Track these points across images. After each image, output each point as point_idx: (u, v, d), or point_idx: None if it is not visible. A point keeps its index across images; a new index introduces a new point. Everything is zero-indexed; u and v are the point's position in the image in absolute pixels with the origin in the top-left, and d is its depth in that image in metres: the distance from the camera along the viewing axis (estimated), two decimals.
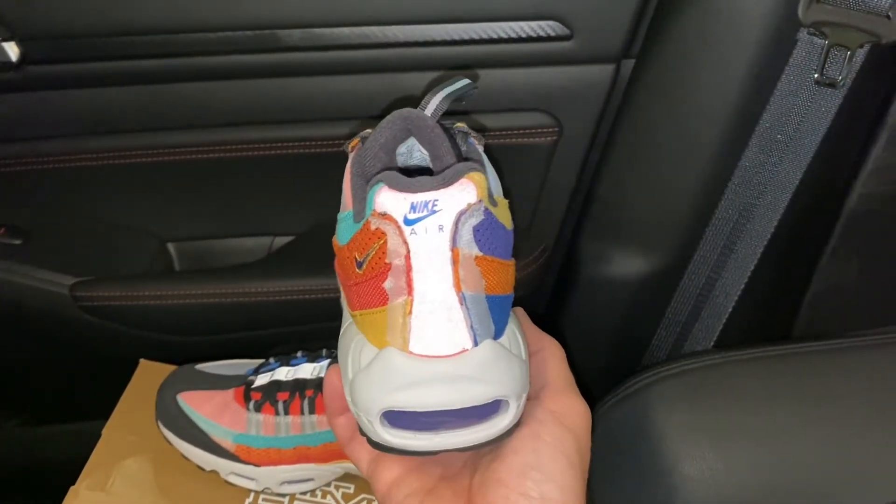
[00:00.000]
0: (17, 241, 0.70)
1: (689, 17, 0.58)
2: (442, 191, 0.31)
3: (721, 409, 0.56)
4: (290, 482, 0.56)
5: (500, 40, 0.61)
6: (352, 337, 0.34)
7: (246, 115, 0.66)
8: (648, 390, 0.57)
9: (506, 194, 0.71)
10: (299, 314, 0.68)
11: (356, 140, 0.38)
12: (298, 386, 0.55)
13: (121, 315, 0.69)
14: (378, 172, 0.35)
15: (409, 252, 0.31)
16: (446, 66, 0.62)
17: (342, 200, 0.37)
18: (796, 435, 0.54)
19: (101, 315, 0.69)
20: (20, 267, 0.69)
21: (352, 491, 0.58)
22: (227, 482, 0.55)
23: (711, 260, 0.65)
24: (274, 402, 0.55)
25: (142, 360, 0.64)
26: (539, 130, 0.66)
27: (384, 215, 0.31)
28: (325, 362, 0.57)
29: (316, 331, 0.71)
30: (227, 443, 0.54)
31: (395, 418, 0.32)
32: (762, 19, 0.55)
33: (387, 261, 0.31)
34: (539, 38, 0.61)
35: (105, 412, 0.61)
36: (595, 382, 0.62)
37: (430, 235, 0.31)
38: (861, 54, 0.54)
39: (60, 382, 0.83)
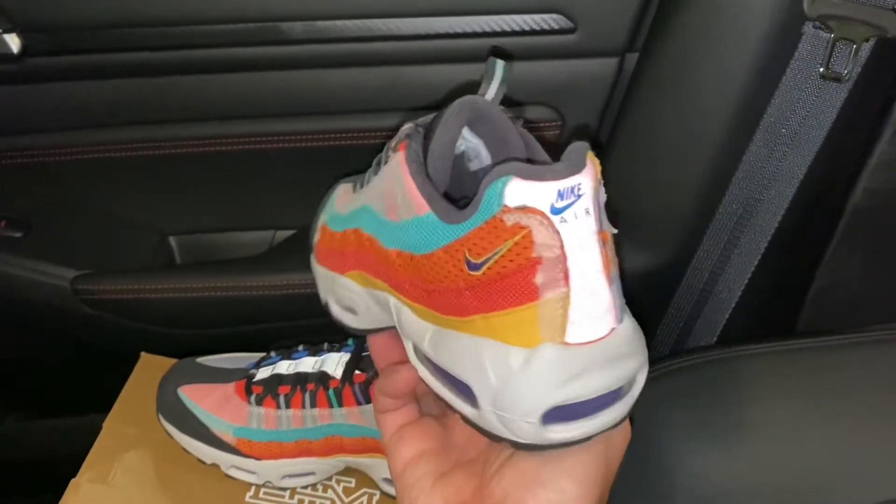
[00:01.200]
0: (18, 234, 0.70)
1: (694, 11, 0.58)
2: (582, 173, 0.30)
3: (724, 405, 0.56)
4: (291, 476, 0.56)
5: (503, 33, 0.60)
6: (472, 344, 0.32)
7: (248, 108, 0.66)
8: (651, 386, 0.56)
9: None
10: (301, 308, 0.68)
11: (403, 140, 0.35)
12: (300, 380, 0.55)
13: (122, 308, 0.69)
14: (434, 167, 0.34)
15: (562, 242, 0.29)
16: (449, 59, 0.62)
17: (395, 203, 0.34)
18: (800, 431, 0.54)
19: (103, 308, 0.69)
20: (21, 260, 0.69)
21: (353, 485, 0.58)
22: (227, 476, 0.55)
23: (715, 255, 0.64)
24: (275, 396, 0.54)
25: (143, 354, 0.64)
26: (542, 124, 0.66)
27: (524, 208, 0.29)
28: (326, 356, 0.56)
29: (317, 325, 0.70)
30: (227, 436, 0.54)
31: (555, 413, 0.31)
32: (767, 13, 0.54)
33: (534, 255, 0.30)
34: (542, 32, 0.60)
35: (106, 406, 0.61)
36: None
37: (579, 221, 0.29)
38: (867, 48, 0.54)
39: (61, 376, 0.83)
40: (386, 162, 0.36)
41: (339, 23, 0.60)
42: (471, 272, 0.31)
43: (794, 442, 0.54)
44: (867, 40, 0.53)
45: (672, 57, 0.60)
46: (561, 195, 0.29)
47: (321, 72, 0.64)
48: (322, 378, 0.54)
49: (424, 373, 0.36)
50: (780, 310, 0.71)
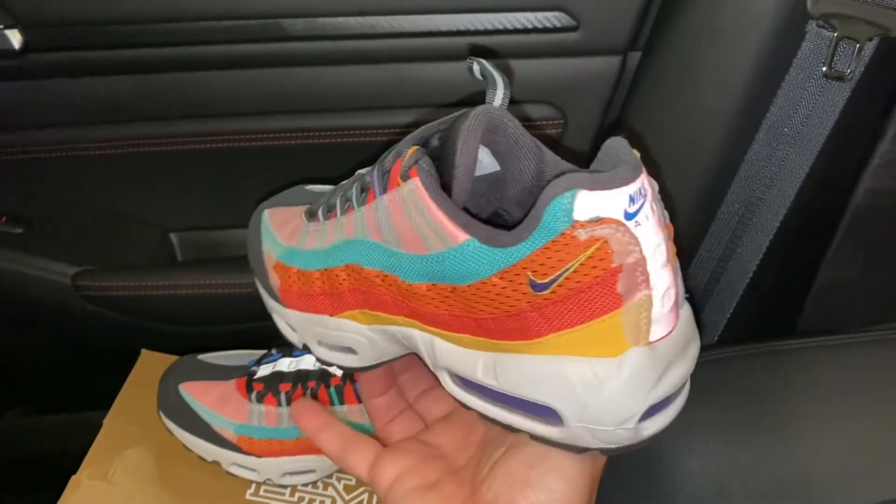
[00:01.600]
0: (19, 230, 0.70)
1: (697, 10, 0.57)
2: (643, 174, 0.29)
3: (725, 405, 0.56)
4: (291, 473, 0.56)
5: (505, 31, 0.60)
6: (548, 364, 0.31)
7: (249, 104, 0.66)
8: None
9: None
10: None
11: (411, 166, 0.33)
12: (301, 377, 0.55)
13: (123, 305, 0.69)
14: (457, 187, 0.32)
15: (640, 246, 0.29)
16: (452, 56, 0.62)
17: (418, 236, 0.32)
18: (801, 430, 0.54)
19: (103, 305, 0.69)
20: (21, 256, 0.69)
21: (353, 482, 0.58)
22: (228, 473, 0.55)
23: (716, 254, 0.64)
24: (276, 393, 0.54)
25: (143, 351, 0.63)
26: (544, 122, 0.65)
27: (598, 220, 0.28)
28: None
29: None
30: (228, 433, 0.54)
31: (646, 412, 0.31)
32: (770, 12, 0.54)
33: (613, 264, 0.29)
34: (545, 29, 0.60)
35: (106, 403, 0.61)
36: None
37: (650, 221, 0.29)
38: (870, 48, 0.54)
39: (62, 372, 0.83)
40: (382, 189, 0.34)
41: (340, 19, 0.60)
42: (536, 293, 0.29)
43: (795, 441, 0.53)
44: (871, 39, 0.53)
45: (674, 55, 0.59)
46: (632, 199, 0.28)
47: (322, 69, 0.64)
48: (323, 375, 0.54)
49: (474, 401, 0.34)
50: (781, 310, 0.71)
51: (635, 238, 0.28)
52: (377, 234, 0.34)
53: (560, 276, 0.29)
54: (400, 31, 0.60)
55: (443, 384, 0.36)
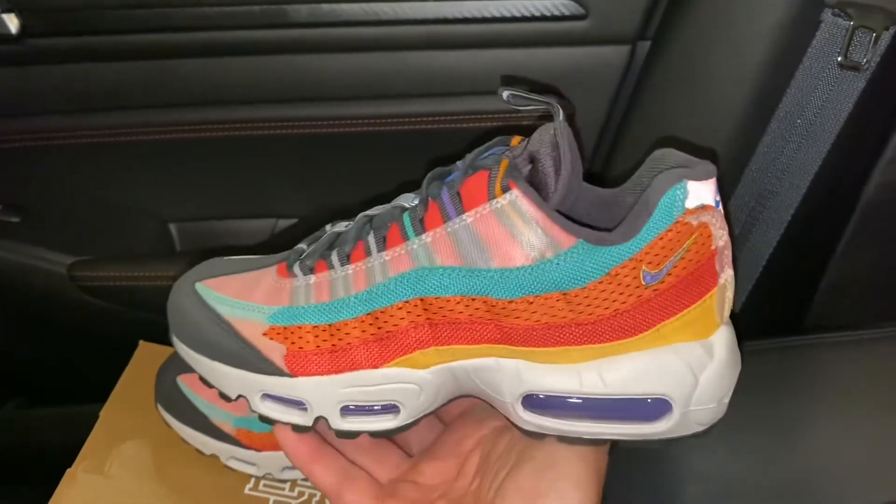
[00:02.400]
0: (15, 219, 0.69)
1: None
2: (712, 165, 0.32)
3: (732, 401, 0.55)
4: (291, 468, 0.55)
5: (512, 18, 0.59)
6: (659, 356, 0.33)
7: (251, 93, 0.65)
8: None
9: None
10: None
11: (511, 183, 0.32)
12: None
13: (120, 296, 0.68)
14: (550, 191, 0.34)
15: (726, 229, 0.32)
16: (458, 44, 0.61)
17: (517, 249, 0.32)
18: (810, 428, 0.53)
19: (100, 295, 0.68)
20: (18, 245, 0.68)
21: None
22: (227, 467, 0.54)
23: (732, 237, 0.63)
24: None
25: (141, 342, 0.62)
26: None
27: (703, 207, 0.31)
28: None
29: None
30: (227, 426, 0.53)
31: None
32: (784, 0, 0.53)
33: (713, 246, 0.32)
34: (553, 17, 0.59)
35: (102, 395, 0.60)
36: None
37: (721, 208, 0.32)
38: (887, 37, 0.52)
39: (58, 364, 0.82)
40: (457, 209, 0.33)
41: (344, 6, 0.59)
42: (647, 285, 0.32)
43: (804, 439, 0.53)
44: (887, 29, 0.52)
45: (685, 45, 0.58)
46: (717, 189, 0.32)
47: (326, 56, 0.63)
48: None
49: (552, 423, 0.34)
50: (790, 305, 0.70)
51: (724, 222, 0.32)
52: (454, 258, 0.33)
53: (671, 264, 0.31)
54: (405, 18, 0.59)
55: (514, 417, 0.35)
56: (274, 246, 0.71)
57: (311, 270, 0.37)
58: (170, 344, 0.62)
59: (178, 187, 0.72)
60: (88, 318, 0.71)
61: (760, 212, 0.61)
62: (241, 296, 0.37)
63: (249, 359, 0.36)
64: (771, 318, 0.69)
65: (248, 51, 0.62)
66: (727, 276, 0.33)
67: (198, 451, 0.54)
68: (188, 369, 0.54)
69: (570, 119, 0.65)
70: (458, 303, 0.33)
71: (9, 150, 0.68)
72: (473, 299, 0.33)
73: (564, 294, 0.32)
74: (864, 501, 0.50)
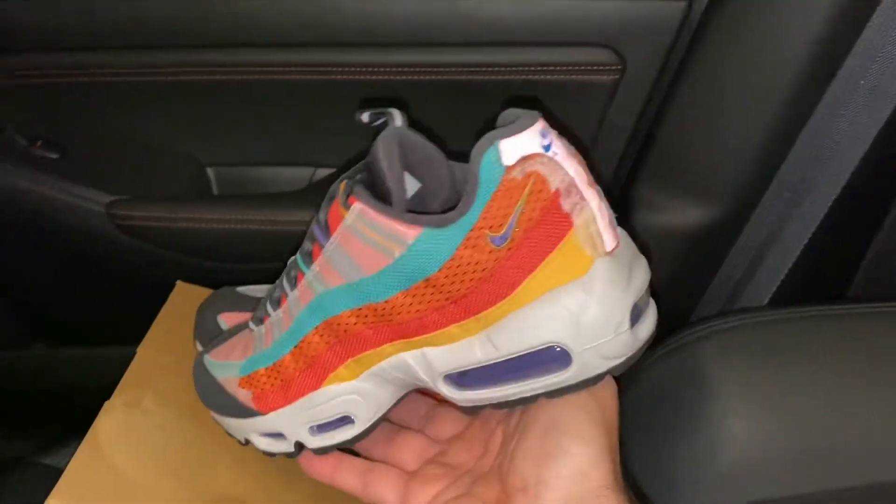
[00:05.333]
0: (54, 155, 0.68)
1: None
2: (541, 118, 0.33)
3: (772, 368, 0.54)
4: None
5: None
6: (537, 308, 0.34)
7: (294, 35, 0.63)
8: (700, 344, 0.55)
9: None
10: None
11: (350, 195, 0.36)
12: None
13: (156, 236, 0.68)
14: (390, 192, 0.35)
15: (565, 170, 0.33)
16: None
17: (377, 252, 0.35)
18: (848, 398, 0.52)
19: (137, 235, 0.68)
20: (56, 181, 0.67)
21: None
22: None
23: (774, 215, 0.62)
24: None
25: (178, 282, 0.62)
26: (601, 68, 0.63)
27: (525, 158, 0.32)
28: None
29: None
30: None
31: (633, 315, 0.34)
32: None
33: (552, 189, 0.32)
34: None
35: (132, 338, 0.60)
36: None
37: (563, 149, 0.33)
38: None
39: (89, 305, 0.82)
40: (326, 236, 0.37)
41: None
42: (499, 246, 0.33)
43: (843, 408, 0.52)
44: None
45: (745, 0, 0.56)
46: (543, 135, 0.33)
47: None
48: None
49: (480, 394, 0.36)
50: (833, 276, 0.68)
51: (559, 164, 0.32)
52: (337, 278, 0.37)
53: (513, 220, 0.32)
54: None
55: (445, 395, 0.37)
56: (307, 195, 0.71)
57: (261, 321, 0.43)
58: (206, 285, 0.62)
59: (217, 131, 0.71)
60: (124, 258, 0.70)
61: (814, 178, 0.59)
62: (227, 357, 0.44)
63: (235, 408, 0.43)
64: (813, 288, 0.68)
65: None
66: (586, 209, 0.33)
67: None
68: (229, 308, 0.55)
69: (620, 74, 0.63)
70: (350, 316, 0.37)
71: (50, 86, 0.67)
72: (360, 309, 0.36)
73: (427, 280, 0.34)
74: None
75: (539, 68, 0.63)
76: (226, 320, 0.53)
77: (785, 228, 0.62)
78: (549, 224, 0.33)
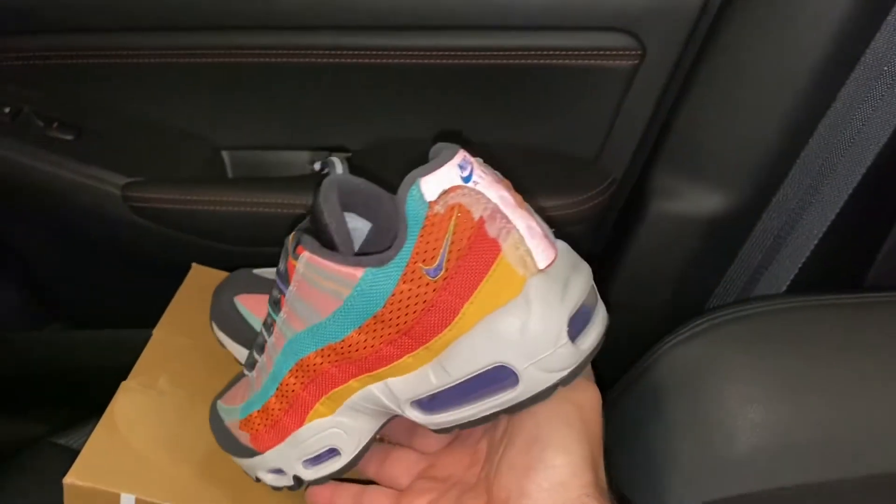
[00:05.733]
0: (69, 137, 0.68)
1: None
2: (461, 150, 0.35)
3: (791, 355, 0.54)
4: None
5: None
6: (479, 332, 0.35)
7: (313, 17, 0.63)
8: (717, 330, 0.55)
9: (574, 121, 0.67)
10: None
11: (298, 245, 0.38)
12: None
13: (171, 219, 0.68)
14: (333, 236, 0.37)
15: (489, 197, 0.34)
16: None
17: (327, 296, 0.37)
18: (868, 386, 0.52)
19: (152, 217, 0.68)
20: (71, 163, 0.67)
21: None
22: None
23: (794, 201, 0.61)
24: None
25: (193, 265, 0.62)
26: (619, 53, 0.62)
27: (446, 191, 0.34)
28: None
29: None
30: None
31: (573, 326, 0.35)
32: None
33: (476, 217, 0.34)
34: None
35: (146, 320, 0.60)
36: (654, 325, 0.59)
37: (485, 179, 0.34)
38: None
39: (104, 287, 0.82)
40: (286, 285, 0.39)
41: None
42: (435, 278, 0.34)
43: (861, 398, 0.51)
44: None
45: None
46: (462, 167, 0.34)
47: None
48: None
49: (443, 417, 0.38)
50: (850, 265, 0.68)
51: (481, 192, 0.34)
52: (300, 323, 0.39)
53: (444, 251, 0.34)
54: None
55: (415, 420, 0.39)
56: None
57: (252, 367, 0.45)
58: (220, 268, 0.62)
59: (232, 114, 0.71)
60: (138, 240, 0.70)
61: (835, 164, 0.59)
62: (231, 402, 0.47)
63: (241, 449, 0.45)
64: (831, 275, 0.67)
65: None
66: (513, 232, 0.34)
67: None
68: (245, 290, 0.54)
69: (640, 59, 0.62)
70: (316, 356, 0.39)
71: (66, 67, 0.67)
72: (323, 349, 0.39)
73: (375, 316, 0.36)
74: None
75: (557, 52, 0.63)
76: (242, 302, 0.53)
77: (804, 215, 0.62)
78: (479, 251, 0.34)
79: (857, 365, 0.53)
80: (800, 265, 0.64)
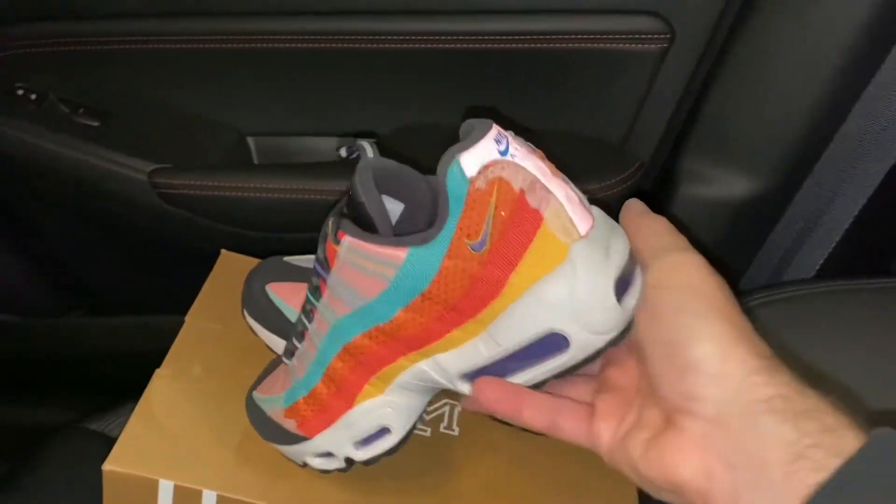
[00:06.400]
0: (96, 123, 0.68)
1: None
2: (493, 125, 0.35)
3: (819, 339, 0.54)
4: None
5: None
6: (528, 301, 0.35)
7: (338, 2, 0.63)
8: (753, 313, 0.54)
9: (602, 105, 0.67)
10: None
11: (338, 230, 0.38)
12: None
13: (198, 205, 0.68)
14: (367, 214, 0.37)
15: (525, 169, 0.35)
16: None
17: (371, 278, 0.37)
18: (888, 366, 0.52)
19: (179, 203, 0.68)
20: (98, 149, 0.67)
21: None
22: None
23: (826, 185, 0.61)
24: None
25: (223, 251, 0.62)
26: (648, 36, 0.62)
27: (485, 166, 0.34)
28: None
29: None
30: None
31: (618, 288, 0.35)
32: None
33: (517, 189, 0.34)
34: None
35: (175, 306, 0.60)
36: None
37: (521, 150, 0.35)
38: None
39: (127, 273, 0.83)
40: (327, 271, 0.39)
41: None
42: (480, 252, 0.35)
43: (890, 383, 0.51)
44: None
45: None
46: (497, 142, 0.35)
47: None
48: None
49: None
50: (882, 249, 0.68)
51: (519, 165, 0.35)
52: (344, 307, 0.39)
53: (487, 225, 0.34)
54: None
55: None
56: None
57: (292, 355, 0.46)
58: (247, 254, 0.62)
59: (258, 101, 0.71)
60: (165, 226, 0.70)
61: (868, 148, 0.58)
62: (270, 391, 0.47)
63: (287, 436, 0.45)
64: (860, 263, 0.67)
65: None
66: (553, 201, 0.35)
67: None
68: (277, 277, 0.54)
69: (669, 43, 0.62)
70: (363, 338, 0.40)
71: (92, 53, 0.67)
72: (370, 331, 0.39)
73: (422, 295, 0.36)
74: None
75: (585, 36, 0.62)
76: (275, 290, 0.53)
77: (835, 200, 0.61)
78: (521, 222, 0.35)
79: (888, 350, 0.52)
80: (830, 249, 0.63)
